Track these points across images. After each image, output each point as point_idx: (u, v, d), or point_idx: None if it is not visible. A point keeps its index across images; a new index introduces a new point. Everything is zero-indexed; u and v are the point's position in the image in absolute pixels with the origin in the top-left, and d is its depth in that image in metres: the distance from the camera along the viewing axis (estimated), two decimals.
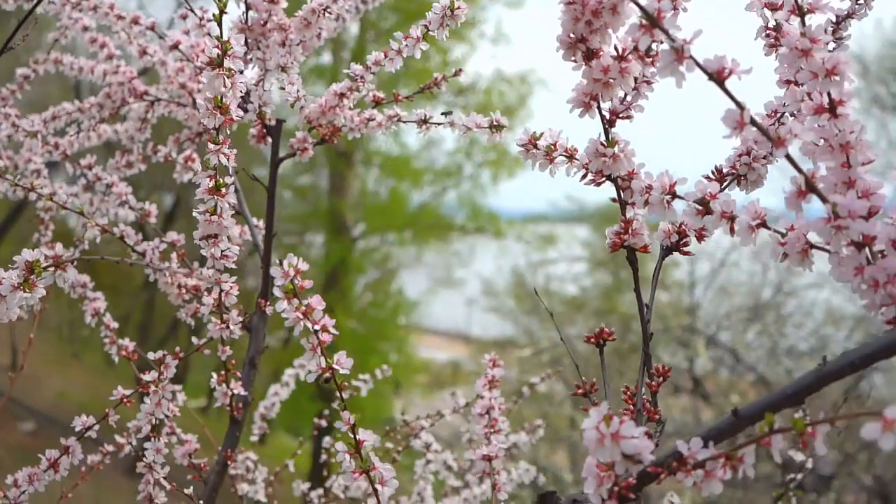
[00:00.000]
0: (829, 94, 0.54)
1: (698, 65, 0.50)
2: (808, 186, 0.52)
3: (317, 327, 0.62)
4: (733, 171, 0.69)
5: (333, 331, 0.63)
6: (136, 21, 1.11)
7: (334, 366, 0.63)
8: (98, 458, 1.13)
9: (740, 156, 0.68)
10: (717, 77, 0.50)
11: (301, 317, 0.62)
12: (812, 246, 0.54)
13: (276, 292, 0.62)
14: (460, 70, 1.00)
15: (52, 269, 0.67)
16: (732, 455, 0.50)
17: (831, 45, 0.73)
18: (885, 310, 0.51)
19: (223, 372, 0.96)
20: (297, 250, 11.19)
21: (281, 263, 0.61)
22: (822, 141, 0.56)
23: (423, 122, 0.94)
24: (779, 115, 0.70)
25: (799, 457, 1.09)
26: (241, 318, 0.91)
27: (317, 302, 0.63)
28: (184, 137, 1.19)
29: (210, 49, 0.69)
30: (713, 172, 0.69)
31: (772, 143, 0.51)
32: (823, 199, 0.51)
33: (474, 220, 11.22)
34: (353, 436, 0.65)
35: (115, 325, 1.09)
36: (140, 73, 1.33)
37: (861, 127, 0.54)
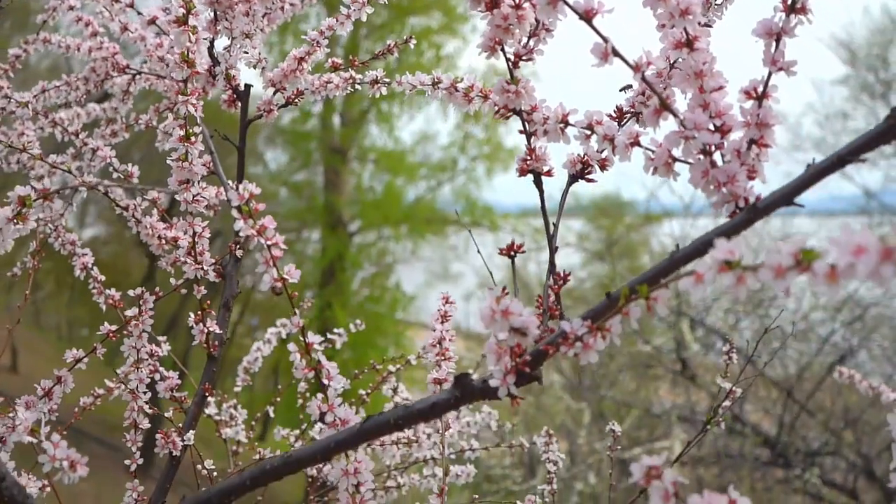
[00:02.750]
0: (685, 30, 0.64)
1: (569, 6, 0.61)
2: (663, 105, 0.62)
3: (269, 243, 0.73)
4: (632, 109, 0.79)
5: (283, 246, 0.73)
6: None
7: (285, 276, 0.74)
8: (90, 399, 1.24)
9: (637, 96, 0.79)
10: (586, 16, 0.61)
11: (255, 234, 0.72)
12: (675, 159, 0.65)
13: (238, 224, 0.72)
14: (411, 37, 1.10)
15: (40, 200, 0.78)
16: (602, 326, 0.60)
17: (718, 1, 0.83)
18: (726, 206, 0.62)
19: (199, 311, 1.06)
20: (294, 246, 11.30)
21: (237, 188, 0.71)
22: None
23: (375, 82, 1.04)
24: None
25: (726, 384, 1.20)
26: (213, 261, 1.02)
27: (269, 221, 0.73)
28: (163, 107, 1.29)
29: (176, 9, 0.80)
30: (615, 111, 0.79)
31: (632, 69, 0.61)
32: (675, 115, 0.62)
33: (470, 213, 11.32)
34: (303, 339, 0.75)
35: (102, 277, 1.19)
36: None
37: (712, 58, 0.64)
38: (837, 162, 0.56)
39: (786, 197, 0.57)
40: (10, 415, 0.73)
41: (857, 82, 8.77)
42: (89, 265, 1.21)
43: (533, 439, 1.30)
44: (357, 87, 1.07)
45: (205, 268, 1.01)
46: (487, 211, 11.17)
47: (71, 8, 1.31)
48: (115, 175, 1.21)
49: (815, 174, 0.57)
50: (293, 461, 0.69)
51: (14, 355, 8.85)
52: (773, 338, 6.83)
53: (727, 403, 1.15)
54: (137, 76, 1.31)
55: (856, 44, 8.52)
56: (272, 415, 1.56)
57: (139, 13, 1.21)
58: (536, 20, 0.71)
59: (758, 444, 6.08)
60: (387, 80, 1.02)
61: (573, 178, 0.78)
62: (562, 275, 0.73)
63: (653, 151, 0.66)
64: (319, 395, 0.76)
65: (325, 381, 0.75)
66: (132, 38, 1.27)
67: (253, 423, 1.48)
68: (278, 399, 1.58)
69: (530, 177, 0.78)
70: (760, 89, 0.63)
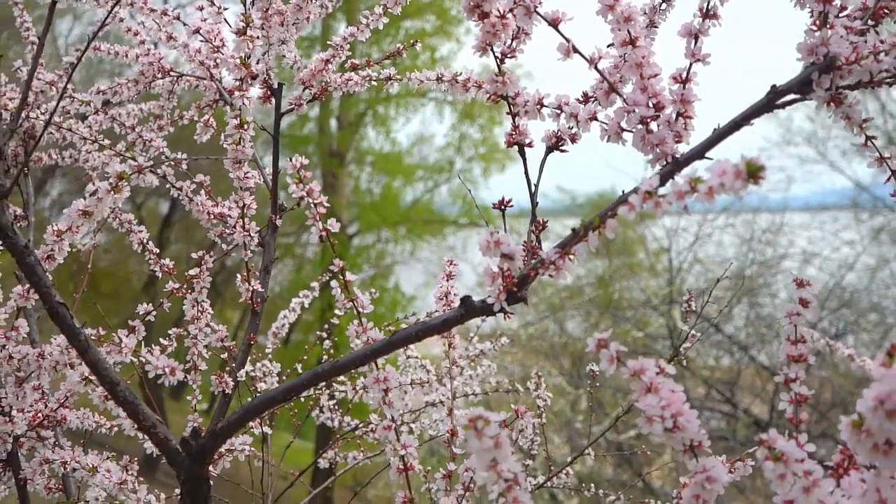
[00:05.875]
0: (629, 32, 0.86)
1: (541, 16, 0.82)
2: (611, 88, 0.84)
3: (316, 202, 0.94)
4: (594, 93, 1.00)
5: (326, 204, 0.95)
6: (164, 13, 1.42)
7: (328, 227, 0.95)
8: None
9: (597, 83, 1.00)
10: (553, 23, 0.83)
11: (305, 195, 0.94)
12: (622, 129, 0.87)
13: (291, 187, 0.94)
14: (416, 41, 1.32)
15: (135, 174, 0.99)
16: (569, 252, 0.82)
17: (664, 6, 1.05)
18: (659, 162, 0.83)
19: (245, 272, 1.27)
20: (293, 250, 11.52)
21: (291, 159, 0.93)
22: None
23: (389, 79, 1.26)
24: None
25: (684, 326, 1.41)
26: (259, 229, 1.23)
27: (315, 186, 0.95)
28: (203, 104, 1.51)
29: (237, 23, 1.01)
30: (582, 95, 1.01)
31: (588, 63, 0.83)
32: (620, 96, 0.83)
33: (467, 214, 11.54)
34: (342, 277, 0.97)
35: (156, 250, 1.40)
36: None
37: (650, 53, 0.86)
38: (734, 126, 0.78)
39: (698, 153, 0.79)
40: (115, 341, 0.94)
41: None
42: (144, 240, 1.43)
43: (527, 385, 1.52)
44: (373, 83, 1.28)
45: (251, 235, 1.22)
46: (485, 211, 11.35)
47: (121, 20, 1.52)
48: (166, 163, 1.42)
49: (718, 135, 0.78)
50: (340, 365, 0.90)
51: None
52: (762, 325, 7.07)
53: (687, 345, 1.37)
54: (180, 78, 1.52)
55: None
56: (300, 370, 1.77)
57: (185, 24, 1.42)
58: (518, 27, 0.92)
59: (749, 426, 6.31)
60: (398, 77, 1.23)
61: (549, 149, 0.99)
62: (540, 221, 0.94)
63: (606, 124, 0.88)
64: (355, 321, 0.97)
65: (360, 309, 0.96)
66: (175, 46, 1.48)
67: (285, 376, 1.69)
68: (305, 357, 1.79)
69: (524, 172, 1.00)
70: (684, 76, 0.84)
